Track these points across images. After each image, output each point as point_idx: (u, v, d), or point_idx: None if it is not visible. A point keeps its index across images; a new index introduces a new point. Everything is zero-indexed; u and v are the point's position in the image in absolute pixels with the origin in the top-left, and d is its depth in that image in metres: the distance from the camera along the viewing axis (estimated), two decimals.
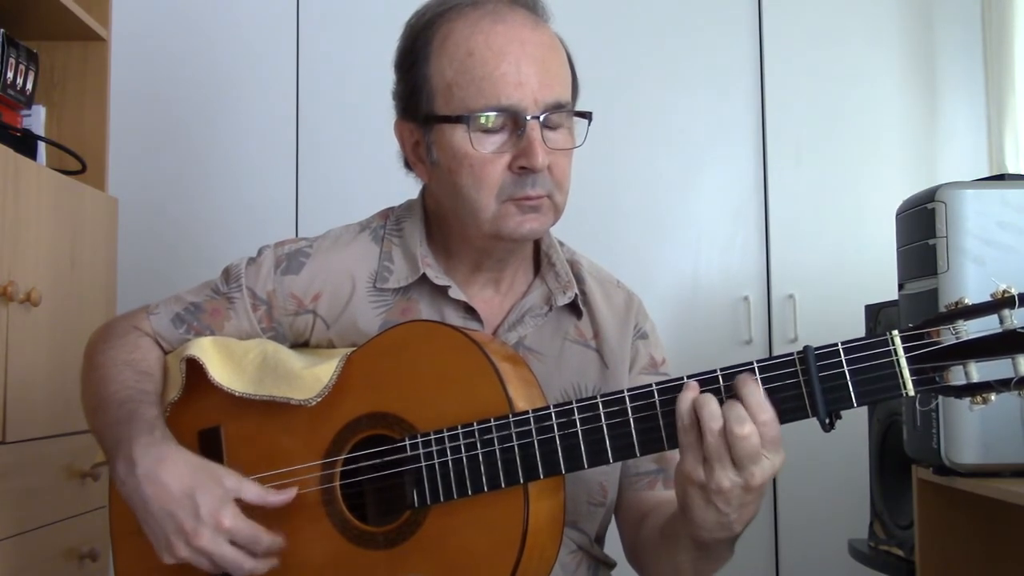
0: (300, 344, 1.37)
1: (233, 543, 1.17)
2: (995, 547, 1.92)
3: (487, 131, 1.23)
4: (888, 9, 2.94)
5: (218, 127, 2.91)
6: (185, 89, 2.92)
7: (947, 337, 1.01)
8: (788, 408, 1.06)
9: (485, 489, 1.14)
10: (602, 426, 1.11)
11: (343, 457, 1.22)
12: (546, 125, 1.24)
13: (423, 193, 1.40)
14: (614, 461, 1.13)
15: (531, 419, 1.13)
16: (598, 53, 2.85)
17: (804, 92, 2.90)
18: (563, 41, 1.31)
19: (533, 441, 1.13)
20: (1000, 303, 1.00)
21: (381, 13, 2.78)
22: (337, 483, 1.22)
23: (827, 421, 1.05)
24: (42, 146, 2.21)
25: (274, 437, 1.26)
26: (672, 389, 1.10)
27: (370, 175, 2.50)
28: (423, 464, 1.16)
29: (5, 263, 1.84)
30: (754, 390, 1.05)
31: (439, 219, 1.35)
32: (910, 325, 1.03)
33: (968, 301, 1.02)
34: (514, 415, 1.14)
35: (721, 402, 1.06)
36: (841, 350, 1.05)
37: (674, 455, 1.12)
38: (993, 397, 1.01)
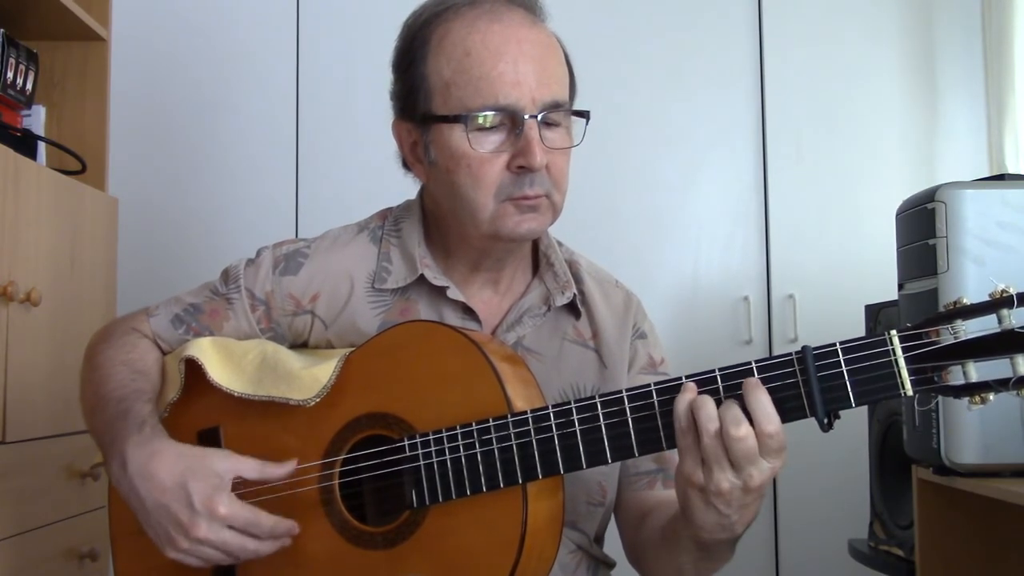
0: (299, 344, 1.37)
1: (233, 528, 1.16)
2: (995, 547, 1.92)
3: (485, 130, 1.23)
4: (888, 9, 2.94)
5: (218, 127, 2.91)
6: (185, 89, 2.92)
7: (945, 337, 1.01)
8: (787, 408, 1.06)
9: (484, 489, 1.14)
10: (600, 426, 1.11)
11: (342, 457, 1.22)
12: (544, 124, 1.24)
13: (421, 193, 1.40)
14: (612, 461, 1.13)
15: (530, 419, 1.13)
16: (598, 53, 2.85)
17: (804, 92, 2.90)
18: (560, 40, 1.31)
19: (532, 441, 1.13)
20: (998, 303, 1.00)
21: (381, 13, 2.77)
22: (336, 483, 1.22)
23: (826, 421, 1.05)
24: (42, 146, 2.21)
25: (273, 437, 1.26)
26: (671, 389, 1.10)
27: (369, 175, 2.50)
28: (422, 464, 1.16)
29: (5, 263, 1.84)
30: (762, 400, 1.04)
31: (437, 219, 1.35)
32: (908, 325, 1.03)
33: (967, 301, 1.02)
34: (513, 415, 1.14)
35: (719, 403, 1.06)
36: (839, 350, 1.05)
37: (673, 455, 1.12)
38: (991, 397, 1.01)
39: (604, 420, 1.11)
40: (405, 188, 1.42)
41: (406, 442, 1.18)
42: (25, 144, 2.12)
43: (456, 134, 1.24)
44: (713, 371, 1.09)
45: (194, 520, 1.15)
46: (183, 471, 1.16)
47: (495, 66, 1.22)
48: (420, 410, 1.18)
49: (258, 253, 1.39)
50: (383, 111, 1.37)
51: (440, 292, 1.32)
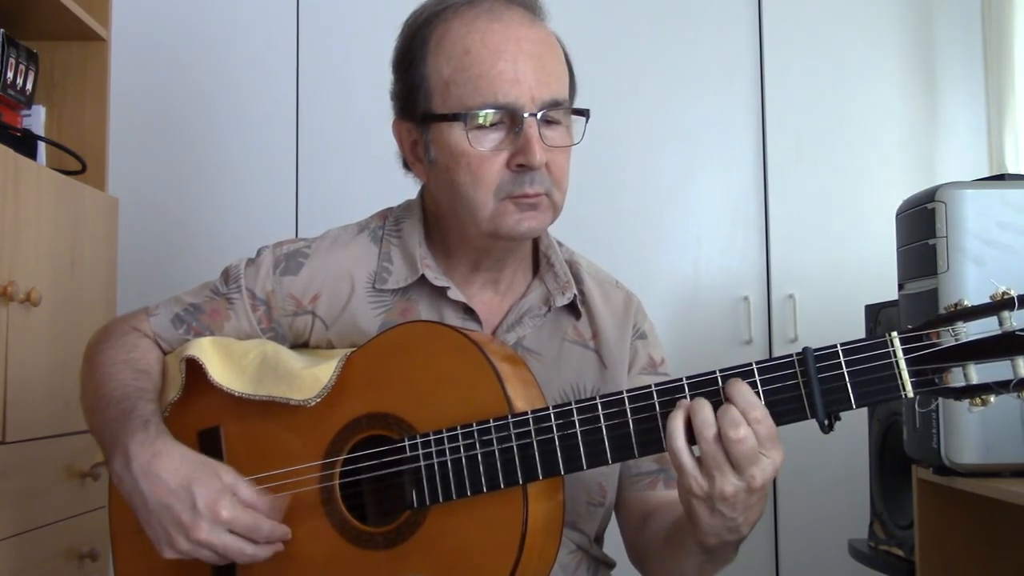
0: (300, 345, 1.37)
1: (233, 532, 1.17)
2: (995, 547, 1.92)
3: (484, 129, 1.23)
4: (888, 9, 2.94)
5: (218, 127, 2.91)
6: (185, 89, 2.92)
7: (946, 339, 1.01)
8: (787, 410, 1.06)
9: (484, 490, 1.14)
10: (601, 427, 1.11)
11: (342, 457, 1.22)
12: (544, 122, 1.24)
13: (422, 193, 1.40)
14: (613, 462, 1.13)
15: (530, 420, 1.13)
16: (598, 53, 2.85)
17: (804, 92, 2.90)
18: (560, 39, 1.31)
19: (532, 442, 1.13)
20: (999, 305, 1.00)
21: (381, 13, 2.77)
22: (336, 483, 1.22)
23: (826, 423, 1.05)
24: (42, 146, 2.21)
25: (273, 437, 1.26)
26: (671, 390, 1.10)
27: (369, 175, 2.50)
28: (422, 464, 1.16)
29: (5, 263, 1.84)
30: (742, 389, 1.05)
31: (438, 219, 1.35)
32: (909, 327, 1.03)
33: (967, 303, 1.02)
34: (513, 416, 1.14)
35: (716, 405, 1.06)
36: (840, 351, 1.05)
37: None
38: (992, 399, 1.01)
39: (605, 421, 1.11)
40: (405, 188, 1.42)
41: (406, 442, 1.18)
42: (25, 144, 2.12)
43: (456, 133, 1.24)
44: (713, 372, 1.09)
45: (196, 522, 1.15)
46: (188, 473, 1.17)
47: (495, 65, 1.22)
48: (421, 410, 1.18)
49: (258, 253, 1.39)
50: (383, 111, 1.36)
51: (441, 292, 1.32)
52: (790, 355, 1.07)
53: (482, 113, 1.22)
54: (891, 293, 2.08)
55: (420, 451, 1.17)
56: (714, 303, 2.88)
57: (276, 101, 2.91)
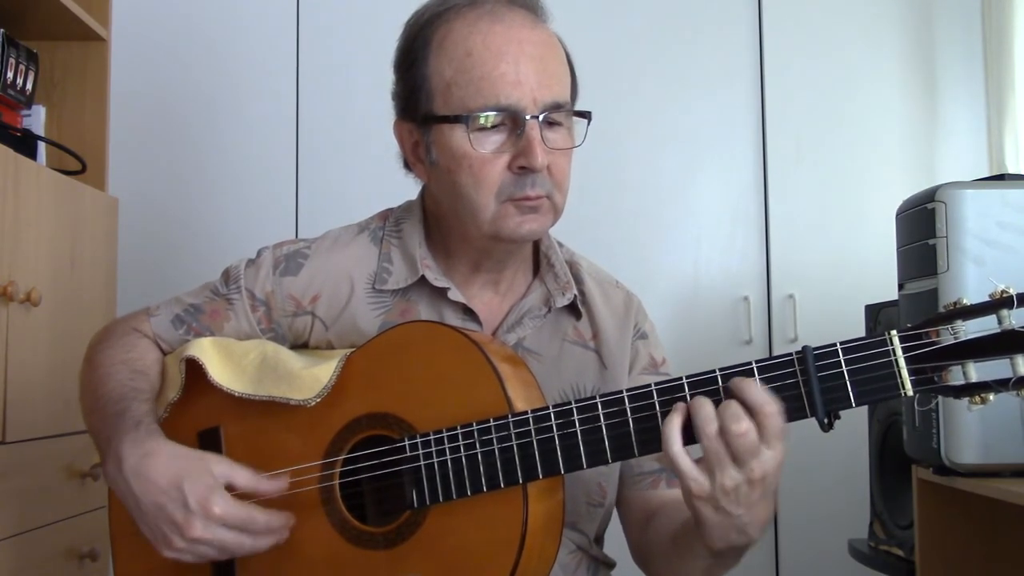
0: (299, 345, 1.37)
1: (228, 527, 1.16)
2: (995, 547, 1.92)
3: (486, 131, 1.23)
4: (888, 9, 2.94)
5: (218, 127, 2.91)
6: (185, 89, 2.92)
7: (946, 337, 1.01)
8: (787, 408, 1.06)
9: (484, 489, 1.14)
10: (601, 427, 1.11)
11: (342, 457, 1.22)
12: (545, 125, 1.24)
13: (422, 194, 1.40)
14: (613, 461, 1.13)
15: (530, 419, 1.13)
16: (598, 53, 2.85)
17: (804, 92, 2.90)
18: (562, 41, 1.31)
19: (532, 441, 1.13)
20: (998, 303, 1.00)
21: (381, 13, 2.77)
22: (336, 483, 1.22)
23: (826, 421, 1.05)
24: (42, 146, 2.21)
25: (273, 437, 1.26)
26: (671, 390, 1.10)
27: (370, 175, 2.50)
28: (422, 464, 1.16)
29: (5, 263, 1.84)
30: (752, 387, 1.05)
31: (438, 220, 1.35)
32: (908, 325, 1.03)
33: (967, 301, 1.02)
34: (513, 415, 1.14)
35: (716, 403, 1.06)
36: (840, 350, 1.05)
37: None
38: (991, 397, 1.01)
39: (605, 420, 1.11)
40: (405, 188, 1.42)
41: (406, 442, 1.18)
42: (25, 144, 2.13)
43: (457, 134, 1.24)
44: (713, 371, 1.09)
45: (189, 520, 1.14)
46: (178, 471, 1.16)
47: (496, 66, 1.22)
48: (421, 410, 1.18)
49: (258, 253, 1.39)
50: (383, 111, 1.36)
51: (441, 293, 1.32)
52: (790, 354, 1.07)
53: (483, 115, 1.22)
54: (891, 293, 2.08)
55: (420, 451, 1.17)
56: (714, 303, 2.88)
57: (276, 101, 2.91)
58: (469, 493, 1.15)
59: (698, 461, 1.07)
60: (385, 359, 1.23)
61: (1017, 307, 0.99)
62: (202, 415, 1.31)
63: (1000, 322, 1.00)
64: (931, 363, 1.02)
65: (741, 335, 2.86)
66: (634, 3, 2.94)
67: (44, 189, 2.01)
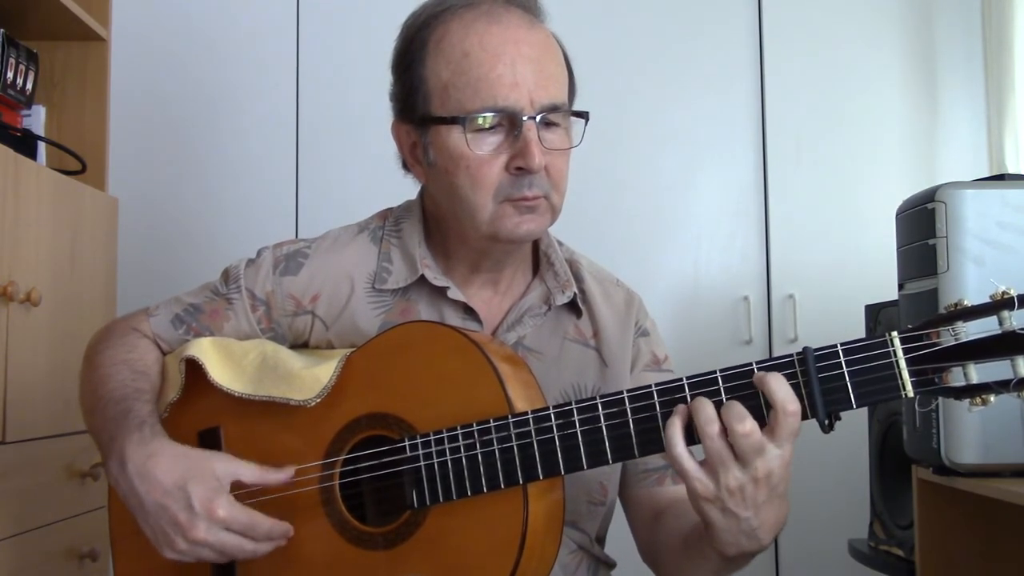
0: (299, 345, 1.37)
1: (231, 530, 1.16)
2: (995, 547, 1.92)
3: (483, 132, 1.23)
4: (888, 9, 2.94)
5: (218, 127, 2.91)
6: (185, 89, 2.92)
7: (946, 338, 1.01)
8: None
9: (484, 490, 1.14)
10: (602, 427, 1.11)
11: (342, 458, 1.22)
12: (543, 125, 1.24)
13: (422, 194, 1.40)
14: (613, 462, 1.13)
15: (530, 420, 1.13)
16: (598, 53, 2.85)
17: (804, 92, 2.90)
18: (560, 41, 1.31)
19: (532, 442, 1.13)
20: (999, 304, 1.00)
21: (381, 14, 2.77)
22: (336, 483, 1.22)
23: (826, 422, 1.05)
24: (42, 146, 2.21)
25: (273, 438, 1.26)
26: (671, 390, 1.10)
27: (370, 175, 2.49)
28: (422, 464, 1.16)
29: (5, 263, 1.84)
30: (778, 384, 1.04)
31: (437, 220, 1.35)
32: (909, 326, 1.03)
33: (967, 302, 1.02)
34: (513, 416, 1.14)
35: (719, 404, 1.06)
36: (840, 351, 1.05)
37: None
38: (992, 399, 1.01)
39: (605, 421, 1.11)
40: (405, 188, 1.42)
41: (406, 442, 1.18)
42: (25, 144, 2.12)
43: (455, 135, 1.24)
44: (714, 372, 1.09)
45: (193, 521, 1.15)
46: (183, 473, 1.16)
47: (493, 68, 1.22)
48: (421, 410, 1.18)
49: (258, 253, 1.39)
50: (383, 112, 1.37)
51: (441, 292, 1.32)
52: (790, 355, 1.07)
53: (481, 116, 1.22)
54: (891, 293, 2.08)
55: (420, 451, 1.17)
56: (714, 303, 2.88)
57: (276, 101, 2.91)
58: (469, 493, 1.15)
59: (702, 462, 1.07)
60: (385, 359, 1.23)
61: (1018, 308, 0.99)
62: (202, 415, 1.31)
63: (1001, 323, 1.00)
64: (932, 364, 1.02)
65: (741, 335, 2.86)
66: (634, 3, 2.94)
67: (44, 189, 2.01)
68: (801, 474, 2.70)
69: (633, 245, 2.87)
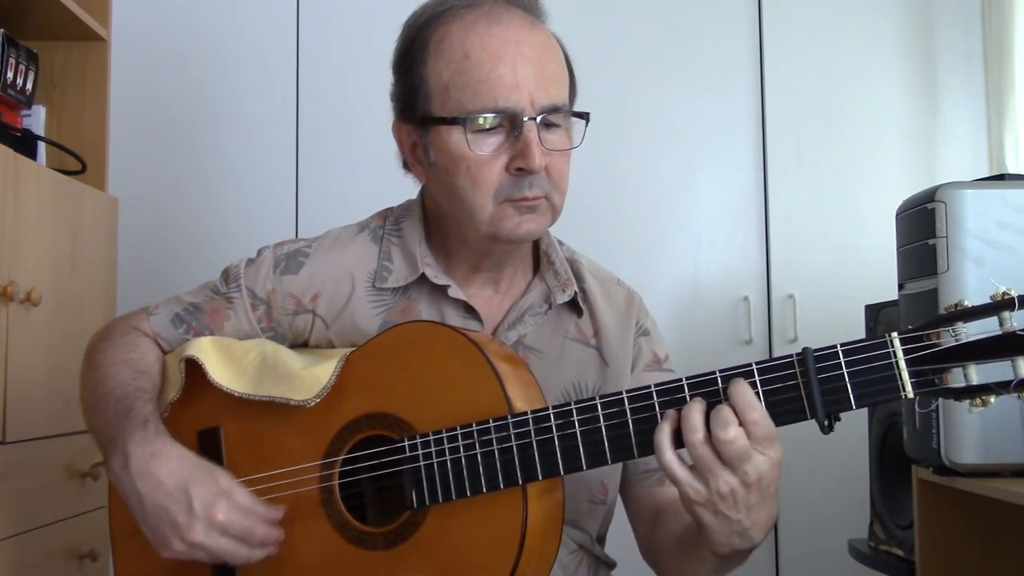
0: (300, 344, 1.37)
1: (228, 535, 1.17)
2: (995, 547, 1.92)
3: (484, 132, 1.23)
4: (888, 10, 2.93)
5: (218, 127, 2.91)
6: (185, 89, 2.92)
7: (946, 339, 1.01)
8: (787, 410, 1.06)
9: (484, 490, 1.14)
10: (601, 427, 1.11)
11: (342, 457, 1.22)
12: (543, 126, 1.24)
13: (422, 193, 1.40)
14: (613, 463, 1.13)
15: (530, 420, 1.13)
16: (598, 53, 2.85)
17: (804, 92, 2.90)
18: (561, 41, 1.31)
19: (532, 442, 1.13)
20: (1000, 305, 1.00)
21: (381, 13, 2.77)
22: (336, 483, 1.22)
23: (826, 423, 1.05)
24: (42, 146, 2.21)
25: (273, 437, 1.26)
26: (671, 391, 1.10)
27: (370, 175, 2.50)
28: (422, 464, 1.16)
29: (5, 263, 1.84)
30: (742, 390, 1.05)
31: (438, 219, 1.35)
32: (909, 327, 1.03)
33: (968, 303, 1.02)
34: (513, 416, 1.14)
35: (710, 407, 1.06)
36: (840, 352, 1.05)
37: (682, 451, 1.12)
38: (992, 399, 1.01)
39: (604, 421, 1.11)
40: (405, 188, 1.42)
41: (406, 442, 1.18)
42: (25, 144, 2.12)
43: (455, 136, 1.24)
44: (713, 372, 1.09)
45: (191, 524, 1.15)
46: (185, 475, 1.17)
47: (494, 68, 1.22)
48: (420, 410, 1.18)
49: (259, 253, 1.39)
50: (383, 112, 1.37)
51: (441, 291, 1.32)
52: (790, 355, 1.07)
53: (481, 117, 1.22)
54: (891, 293, 2.08)
55: (420, 451, 1.17)
56: (714, 303, 2.88)
57: (276, 101, 2.91)
58: (469, 494, 1.15)
59: (692, 467, 1.07)
60: (385, 359, 1.23)
61: (1018, 309, 0.99)
62: (202, 415, 1.31)
63: (1001, 324, 1.00)
64: (932, 365, 1.02)
65: (741, 335, 2.86)
66: (634, 3, 2.94)
67: (44, 189, 2.01)
68: (801, 474, 2.73)
69: (633, 245, 2.87)
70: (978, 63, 2.89)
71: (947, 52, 2.93)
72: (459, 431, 1.15)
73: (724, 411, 1.05)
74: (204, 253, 2.81)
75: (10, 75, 2.08)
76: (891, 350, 1.03)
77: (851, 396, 1.04)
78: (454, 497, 1.15)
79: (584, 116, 1.28)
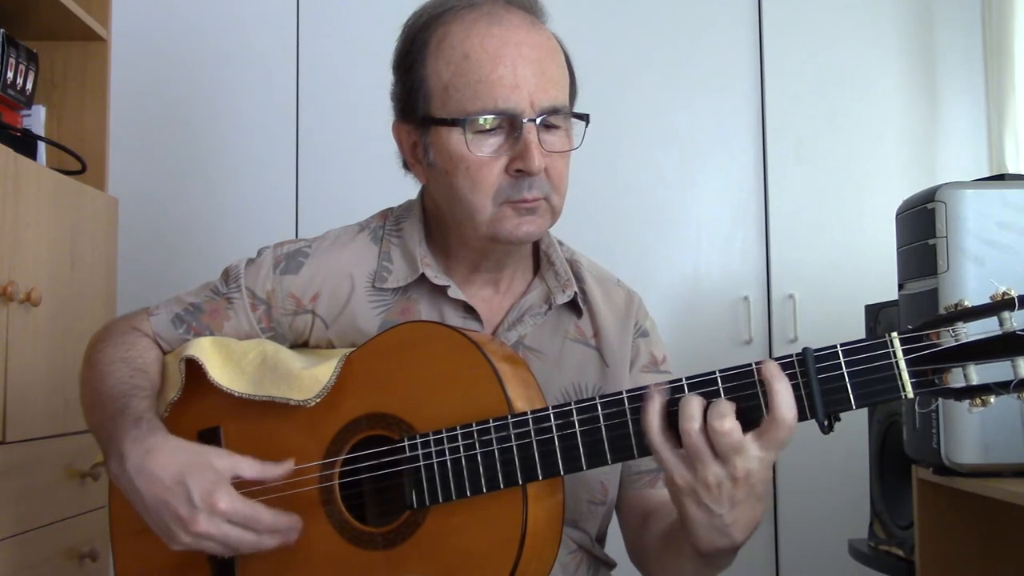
0: (300, 344, 1.37)
1: (233, 523, 1.16)
2: (995, 547, 1.92)
3: (483, 133, 1.23)
4: (888, 9, 2.93)
5: (218, 127, 2.91)
6: (185, 89, 2.92)
7: (946, 339, 1.01)
8: None
9: (484, 490, 1.14)
10: (601, 427, 1.11)
11: (342, 457, 1.22)
12: (543, 127, 1.23)
13: (422, 193, 1.40)
14: (613, 462, 1.13)
15: (530, 420, 1.13)
16: (598, 53, 2.85)
17: (804, 92, 2.90)
18: (561, 42, 1.31)
19: (532, 442, 1.13)
20: (1000, 305, 1.00)
21: (381, 14, 2.77)
22: (336, 483, 1.22)
23: (826, 423, 1.05)
24: (42, 146, 2.21)
25: (273, 437, 1.26)
26: (671, 391, 1.09)
27: (370, 175, 2.50)
28: (422, 464, 1.16)
29: (5, 263, 1.84)
30: (785, 392, 1.04)
31: (438, 220, 1.35)
32: (909, 327, 1.03)
33: (968, 303, 1.02)
34: (513, 416, 1.14)
35: (710, 399, 1.06)
36: (840, 352, 1.05)
37: None
38: (992, 399, 1.01)
39: (604, 421, 1.11)
40: (405, 188, 1.42)
41: (406, 442, 1.18)
42: (25, 144, 2.13)
43: (455, 137, 1.24)
44: (713, 372, 1.09)
45: (194, 515, 1.15)
46: (182, 467, 1.16)
47: (494, 70, 1.22)
48: (420, 410, 1.18)
49: (259, 253, 1.39)
50: (383, 111, 1.37)
51: (441, 291, 1.32)
52: (790, 355, 1.07)
53: (481, 118, 1.22)
54: (891, 293, 2.08)
55: (420, 451, 1.17)
56: (714, 303, 2.88)
57: (276, 101, 2.91)
58: (469, 494, 1.15)
59: (681, 452, 1.07)
60: (385, 359, 1.23)
61: (1018, 309, 0.99)
62: (202, 415, 1.31)
63: (1001, 324, 0.99)
64: (932, 365, 1.02)
65: (741, 335, 2.86)
66: (634, 3, 2.94)
67: (44, 189, 2.01)
68: (801, 474, 2.73)
69: (633, 245, 2.87)
70: (978, 63, 2.89)
71: (947, 52, 2.93)
72: (459, 431, 1.15)
73: (722, 403, 1.05)
74: (204, 253, 2.81)
75: (10, 75, 2.08)
76: (891, 350, 1.03)
77: (851, 396, 1.04)
78: (454, 497, 1.15)
79: (584, 117, 1.28)
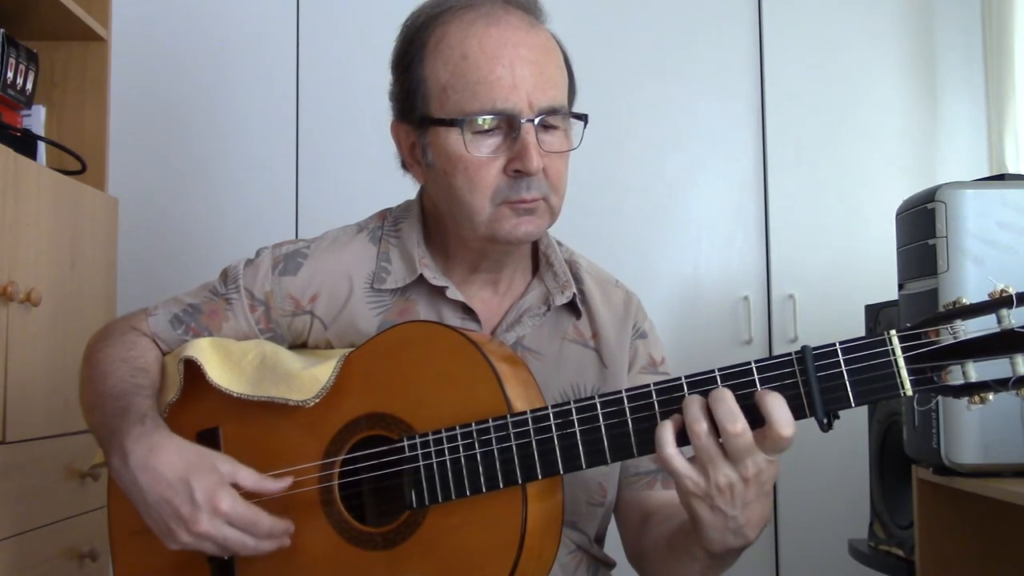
0: (298, 345, 1.37)
1: (233, 525, 1.16)
2: (995, 547, 1.92)
3: (482, 134, 1.23)
4: (888, 10, 2.94)
5: (218, 127, 2.91)
6: (185, 89, 2.92)
7: (945, 337, 1.01)
8: None
9: (483, 490, 1.14)
10: (600, 427, 1.11)
11: (341, 458, 1.22)
12: (542, 127, 1.23)
13: (421, 194, 1.40)
14: (612, 462, 1.13)
15: (529, 420, 1.13)
16: (598, 53, 2.85)
17: (804, 92, 2.90)
18: (560, 42, 1.31)
19: (531, 442, 1.13)
20: (998, 302, 1.00)
21: (380, 13, 2.77)
22: (336, 483, 1.22)
23: (825, 421, 1.05)
24: (42, 146, 2.21)
25: (272, 438, 1.26)
26: (670, 390, 1.09)
27: (369, 175, 2.50)
28: (421, 464, 1.16)
29: (5, 263, 1.84)
30: (780, 409, 1.04)
31: (436, 220, 1.35)
32: (908, 325, 1.03)
33: (966, 301, 1.02)
34: (512, 416, 1.14)
35: (707, 394, 1.06)
36: (839, 350, 1.04)
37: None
38: (991, 397, 1.00)
39: (604, 420, 1.11)
40: (405, 188, 1.42)
41: (405, 442, 1.18)
42: (25, 144, 2.13)
43: (453, 137, 1.24)
44: (713, 371, 1.08)
45: (195, 514, 1.15)
46: (185, 466, 1.16)
47: (492, 70, 1.22)
48: (419, 410, 1.18)
49: (257, 253, 1.39)
50: (383, 111, 1.37)
51: (439, 292, 1.32)
52: (789, 354, 1.06)
53: (479, 119, 1.22)
54: (891, 293, 2.08)
55: (419, 451, 1.17)
56: (714, 303, 2.88)
57: (276, 101, 2.91)
58: (468, 494, 1.14)
59: (691, 460, 1.07)
60: (384, 359, 1.23)
61: (1017, 306, 0.99)
62: (201, 416, 1.30)
63: (1000, 321, 0.99)
64: (930, 363, 1.02)
65: (741, 335, 2.86)
66: (634, 3, 2.94)
67: (44, 189, 2.01)
68: (801, 474, 2.73)
69: (633, 245, 2.87)
70: (978, 63, 2.89)
71: (947, 52, 2.93)
72: (458, 431, 1.15)
73: (729, 402, 1.04)
74: (204, 253, 2.81)
75: (10, 75, 2.08)
76: (890, 348, 1.03)
77: (850, 394, 1.04)
78: (453, 497, 1.15)
79: (582, 117, 1.28)
